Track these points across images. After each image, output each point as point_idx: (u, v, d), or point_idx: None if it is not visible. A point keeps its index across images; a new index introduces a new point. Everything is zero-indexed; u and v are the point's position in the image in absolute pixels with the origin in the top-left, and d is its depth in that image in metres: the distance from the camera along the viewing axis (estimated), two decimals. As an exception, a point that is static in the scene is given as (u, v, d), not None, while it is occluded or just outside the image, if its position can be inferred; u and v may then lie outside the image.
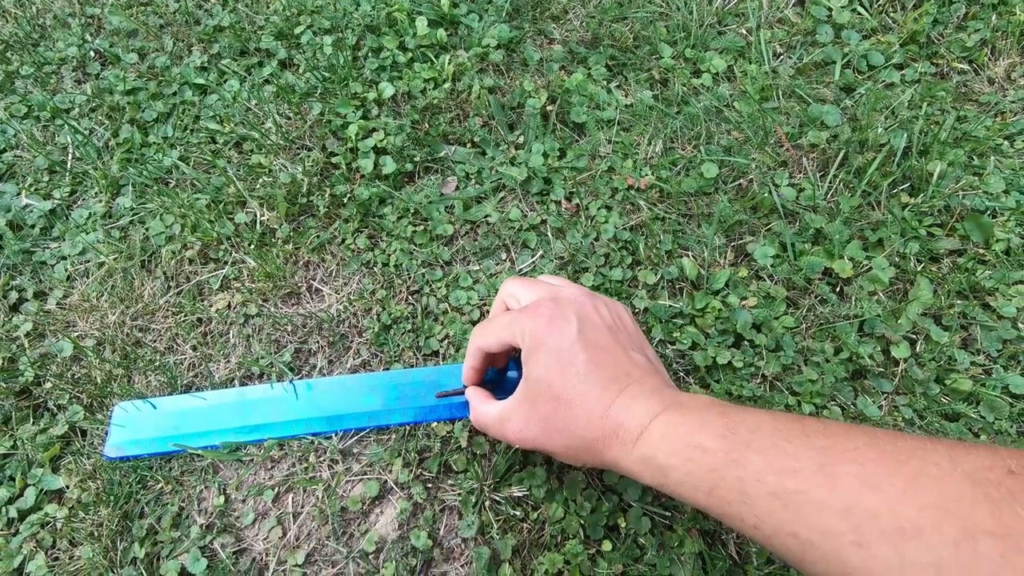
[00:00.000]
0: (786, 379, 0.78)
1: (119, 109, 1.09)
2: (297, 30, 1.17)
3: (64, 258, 0.94)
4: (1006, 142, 0.99)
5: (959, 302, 0.83)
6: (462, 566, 0.70)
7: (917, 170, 0.94)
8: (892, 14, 1.15)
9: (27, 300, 0.90)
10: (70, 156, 1.04)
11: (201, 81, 1.11)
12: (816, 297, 0.85)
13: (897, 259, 0.87)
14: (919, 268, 0.86)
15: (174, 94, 1.11)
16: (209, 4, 1.25)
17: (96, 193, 1.00)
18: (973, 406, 0.75)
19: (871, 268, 0.86)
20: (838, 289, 0.86)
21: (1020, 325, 0.81)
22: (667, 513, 0.70)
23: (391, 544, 0.71)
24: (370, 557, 0.70)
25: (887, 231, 0.89)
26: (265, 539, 0.72)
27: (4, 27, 1.26)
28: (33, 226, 0.97)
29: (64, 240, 0.95)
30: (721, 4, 1.19)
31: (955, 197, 0.92)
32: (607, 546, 0.69)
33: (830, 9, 1.16)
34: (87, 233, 0.95)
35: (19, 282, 0.92)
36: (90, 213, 0.97)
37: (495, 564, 0.69)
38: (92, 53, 1.19)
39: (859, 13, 1.16)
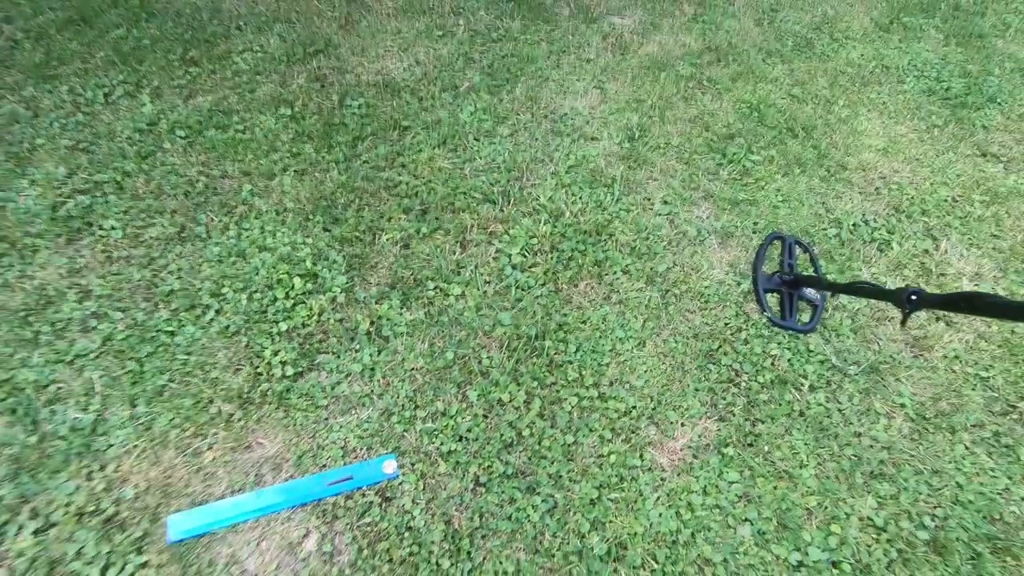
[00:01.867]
0: (481, 452, 1.87)
1: (121, 352, 1.91)
2: (224, 290, 2.09)
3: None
4: (591, 330, 2.22)
5: (552, 407, 1.99)
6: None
7: (548, 348, 2.11)
8: (539, 255, 2.39)
9: (93, 472, 1.69)
10: (97, 389, 1.84)
11: (169, 328, 1.97)
12: (495, 412, 1.96)
13: (529, 390, 2.02)
14: (538, 393, 2.02)
15: (153, 337, 1.96)
16: (163, 274, 2.11)
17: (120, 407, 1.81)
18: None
19: (518, 396, 2.00)
20: (505, 407, 1.98)
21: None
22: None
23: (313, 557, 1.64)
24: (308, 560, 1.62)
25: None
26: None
27: (15, 297, 2.00)
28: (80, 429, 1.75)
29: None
30: (459, 256, 2.35)
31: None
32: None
33: (510, 255, 2.36)
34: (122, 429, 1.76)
35: (85, 463, 1.70)
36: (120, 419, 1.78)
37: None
38: (88, 313, 1.99)
39: (525, 256, 2.37)
